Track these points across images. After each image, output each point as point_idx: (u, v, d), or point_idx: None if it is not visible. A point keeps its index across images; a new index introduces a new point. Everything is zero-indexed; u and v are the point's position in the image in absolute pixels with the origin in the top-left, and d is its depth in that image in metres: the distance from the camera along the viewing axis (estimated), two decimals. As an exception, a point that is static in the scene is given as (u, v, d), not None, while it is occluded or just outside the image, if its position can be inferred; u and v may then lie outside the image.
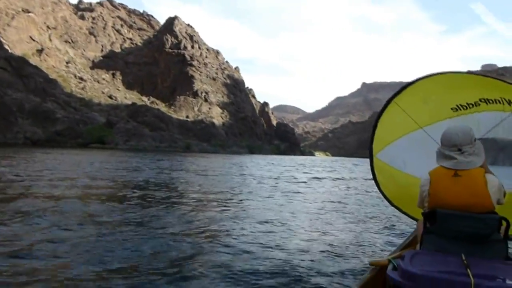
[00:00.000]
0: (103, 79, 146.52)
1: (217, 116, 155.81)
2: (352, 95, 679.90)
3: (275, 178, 20.38)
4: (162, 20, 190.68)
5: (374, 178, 4.59)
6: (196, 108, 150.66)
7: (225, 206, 9.79)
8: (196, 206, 9.70)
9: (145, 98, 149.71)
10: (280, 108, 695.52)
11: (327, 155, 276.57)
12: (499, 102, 3.99)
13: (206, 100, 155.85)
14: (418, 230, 3.13)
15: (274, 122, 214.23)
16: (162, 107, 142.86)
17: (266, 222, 7.92)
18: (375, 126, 4.57)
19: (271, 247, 5.88)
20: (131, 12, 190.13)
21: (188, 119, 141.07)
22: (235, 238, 6.38)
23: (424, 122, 4.39)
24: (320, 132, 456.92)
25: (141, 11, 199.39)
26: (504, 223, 2.48)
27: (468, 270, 2.09)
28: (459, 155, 2.60)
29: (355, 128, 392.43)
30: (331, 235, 6.98)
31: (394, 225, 7.86)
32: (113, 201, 9.72)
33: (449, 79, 4.28)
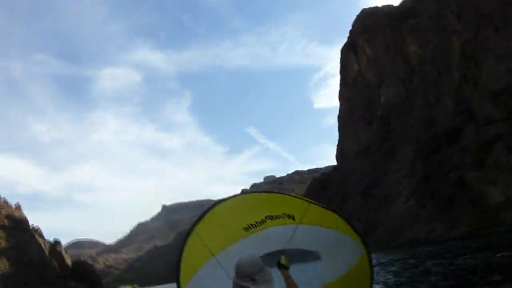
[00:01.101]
0: None
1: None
2: (154, 219, 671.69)
3: None
4: None
5: None
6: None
7: None
8: None
9: None
10: (76, 244, 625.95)
11: (134, 287, 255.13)
12: (281, 217, 4.45)
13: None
14: None
15: (69, 262, 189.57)
16: None
17: None
18: (179, 260, 4.34)
19: None
20: None
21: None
22: None
23: (218, 247, 4.43)
24: (125, 263, 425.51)
25: None
26: None
27: None
28: (253, 285, 2.67)
29: (161, 252, 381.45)
30: None
31: None
32: None
33: (239, 202, 4.68)
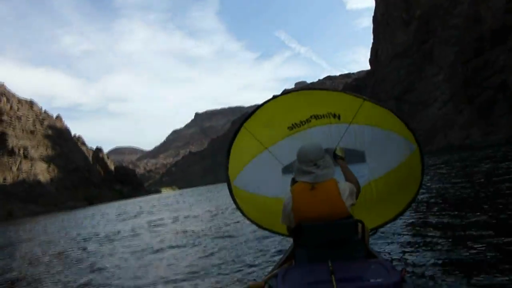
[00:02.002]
0: None
1: (43, 172, 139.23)
2: (188, 126, 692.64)
3: (114, 232, 17.77)
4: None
5: (236, 205, 4.47)
6: (14, 168, 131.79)
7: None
8: None
9: None
10: (117, 151, 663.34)
11: (173, 189, 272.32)
12: (326, 117, 4.46)
13: (25, 157, 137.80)
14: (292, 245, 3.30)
15: (112, 167, 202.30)
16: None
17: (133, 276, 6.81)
18: (228, 153, 4.50)
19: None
20: None
21: (6, 182, 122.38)
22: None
23: (268, 143, 4.64)
24: (163, 168, 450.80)
25: None
26: (360, 225, 2.73)
27: (332, 276, 2.18)
28: (316, 169, 2.80)
29: (196, 157, 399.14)
30: (206, 268, 6.42)
31: (269, 244, 7.47)
32: None
33: (287, 101, 4.60)
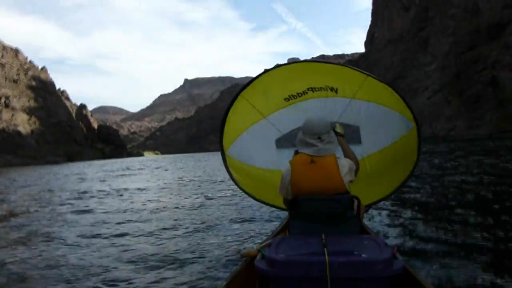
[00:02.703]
0: None
1: (24, 124, 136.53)
2: (176, 91, 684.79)
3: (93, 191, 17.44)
4: None
5: (230, 176, 4.43)
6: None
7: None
8: None
9: None
10: (101, 109, 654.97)
11: (156, 153, 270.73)
12: (323, 89, 4.37)
13: (7, 106, 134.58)
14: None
15: (95, 125, 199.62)
16: None
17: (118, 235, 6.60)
18: (223, 122, 4.46)
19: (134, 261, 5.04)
20: None
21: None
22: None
23: (265, 112, 4.57)
24: (148, 131, 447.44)
25: None
26: (355, 201, 2.73)
27: (325, 249, 2.23)
28: (319, 143, 2.81)
29: (182, 124, 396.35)
30: (203, 234, 6.37)
31: (263, 215, 7.53)
32: None
33: (285, 71, 4.58)
